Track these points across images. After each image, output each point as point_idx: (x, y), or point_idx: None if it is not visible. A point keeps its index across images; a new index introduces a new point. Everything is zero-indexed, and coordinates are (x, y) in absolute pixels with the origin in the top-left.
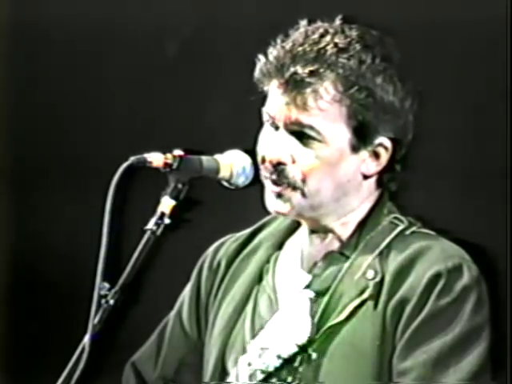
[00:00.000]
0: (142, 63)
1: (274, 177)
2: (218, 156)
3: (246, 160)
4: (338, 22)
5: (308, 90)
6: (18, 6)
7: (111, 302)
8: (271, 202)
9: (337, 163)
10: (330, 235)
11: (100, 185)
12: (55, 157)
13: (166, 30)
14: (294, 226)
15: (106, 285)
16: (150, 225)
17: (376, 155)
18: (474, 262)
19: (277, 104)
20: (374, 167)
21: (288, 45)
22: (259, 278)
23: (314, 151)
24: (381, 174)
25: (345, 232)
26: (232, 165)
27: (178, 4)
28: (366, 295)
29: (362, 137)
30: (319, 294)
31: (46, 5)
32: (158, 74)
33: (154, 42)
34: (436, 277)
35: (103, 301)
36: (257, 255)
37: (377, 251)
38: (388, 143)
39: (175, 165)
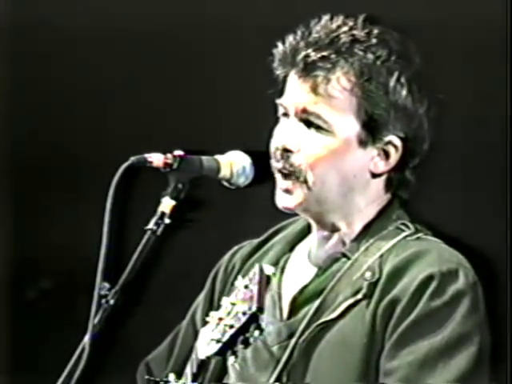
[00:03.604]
0: (142, 63)
1: (280, 165)
2: (218, 156)
3: (246, 160)
4: (360, 19)
5: (319, 74)
6: (18, 5)
7: (111, 301)
8: (279, 198)
9: (343, 155)
10: (336, 237)
11: (100, 185)
12: (55, 157)
13: (167, 29)
14: (306, 232)
15: (107, 285)
16: (151, 225)
17: (386, 154)
18: (478, 270)
19: (289, 92)
20: (382, 166)
21: (305, 33)
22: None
23: (321, 140)
24: (391, 177)
25: (350, 234)
26: (232, 165)
27: (178, 4)
28: (360, 295)
29: (370, 131)
30: (315, 294)
31: (46, 5)
32: (159, 74)
33: (155, 41)
34: (429, 279)
35: (103, 301)
36: (268, 256)
37: (378, 254)
38: (398, 142)
39: (175, 165)
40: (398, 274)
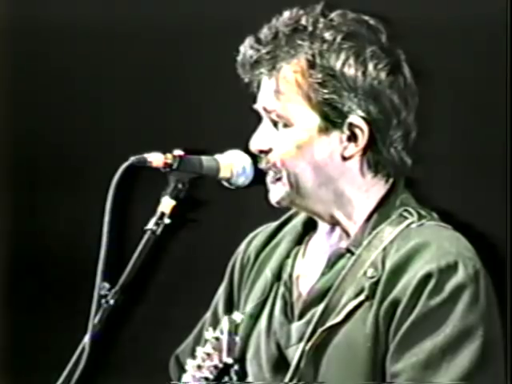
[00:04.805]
0: (142, 63)
1: (262, 166)
2: (218, 156)
3: (246, 160)
4: (318, 8)
5: (263, 72)
6: (18, 5)
7: (111, 301)
8: (270, 193)
9: (309, 146)
10: (339, 229)
11: (100, 185)
12: (55, 157)
13: (167, 29)
14: (313, 223)
15: (106, 285)
16: (150, 225)
17: (354, 136)
18: (482, 254)
19: (259, 95)
20: (353, 148)
21: (257, 33)
22: (279, 273)
23: (287, 136)
24: (368, 158)
25: (352, 227)
26: (232, 165)
27: (177, 4)
28: (362, 297)
29: (326, 117)
30: (322, 294)
31: (46, 5)
32: (158, 73)
33: (154, 41)
34: (427, 277)
35: (103, 301)
36: (279, 249)
37: (381, 247)
38: (360, 122)
39: (175, 165)
40: (397, 272)
